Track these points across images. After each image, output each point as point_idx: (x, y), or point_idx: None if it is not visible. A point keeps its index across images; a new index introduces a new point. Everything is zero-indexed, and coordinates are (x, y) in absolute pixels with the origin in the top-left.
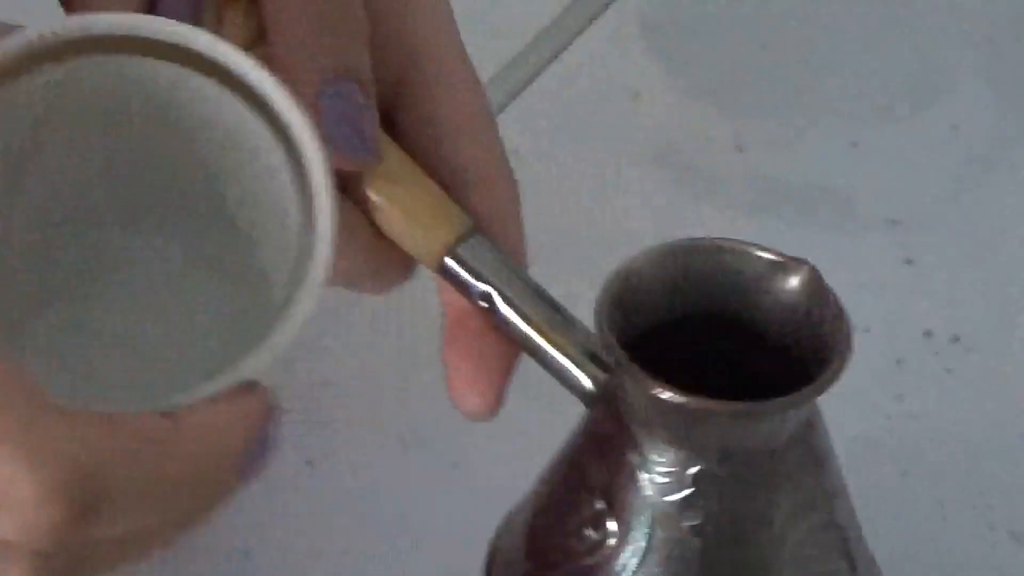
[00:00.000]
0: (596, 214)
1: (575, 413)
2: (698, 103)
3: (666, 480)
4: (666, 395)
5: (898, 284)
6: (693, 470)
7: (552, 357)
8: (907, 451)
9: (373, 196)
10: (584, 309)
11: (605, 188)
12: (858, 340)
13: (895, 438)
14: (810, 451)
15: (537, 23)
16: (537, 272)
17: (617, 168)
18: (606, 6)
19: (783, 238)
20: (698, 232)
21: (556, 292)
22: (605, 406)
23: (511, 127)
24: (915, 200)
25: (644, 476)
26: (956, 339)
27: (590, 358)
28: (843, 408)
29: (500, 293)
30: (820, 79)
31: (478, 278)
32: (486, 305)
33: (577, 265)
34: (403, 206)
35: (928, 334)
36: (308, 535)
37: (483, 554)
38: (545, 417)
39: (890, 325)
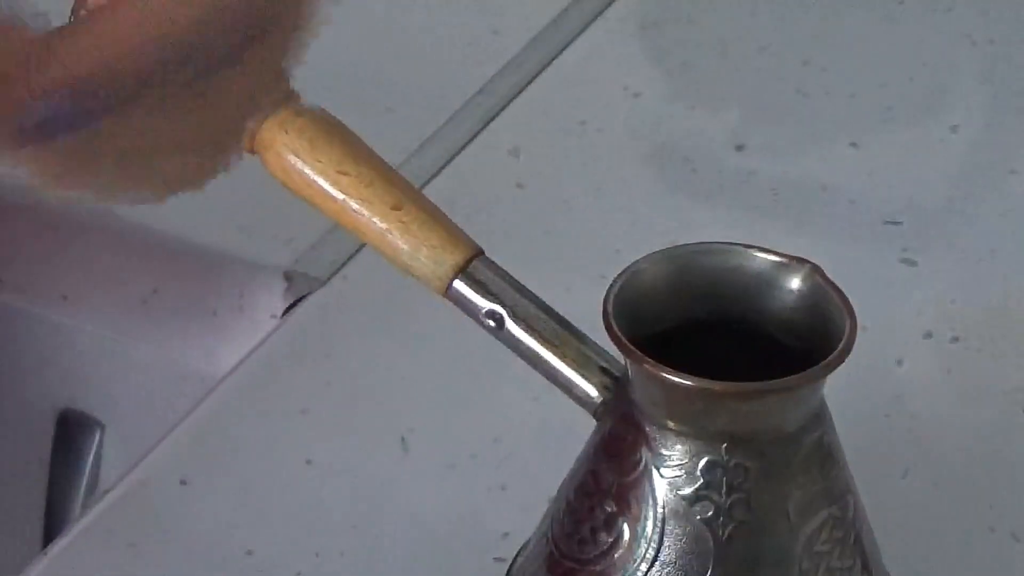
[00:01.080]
0: (596, 214)
1: (575, 415)
2: (698, 103)
3: (676, 474)
4: (675, 379)
5: (898, 284)
6: (703, 462)
7: (561, 372)
8: (907, 451)
9: (380, 224)
10: (583, 307)
11: (605, 188)
12: (858, 340)
13: (895, 438)
14: (821, 444)
15: (537, 23)
16: (537, 271)
17: (617, 168)
18: (606, 6)
19: (783, 238)
20: (698, 232)
21: (556, 290)
22: (613, 413)
23: (511, 127)
24: (915, 200)
25: (654, 472)
26: (956, 339)
27: (599, 371)
28: (843, 408)
29: (508, 312)
30: (820, 79)
31: (486, 298)
32: (494, 324)
33: (577, 264)
34: (409, 233)
35: (928, 334)
36: (308, 535)
37: (482, 553)
38: (545, 418)
39: (890, 325)
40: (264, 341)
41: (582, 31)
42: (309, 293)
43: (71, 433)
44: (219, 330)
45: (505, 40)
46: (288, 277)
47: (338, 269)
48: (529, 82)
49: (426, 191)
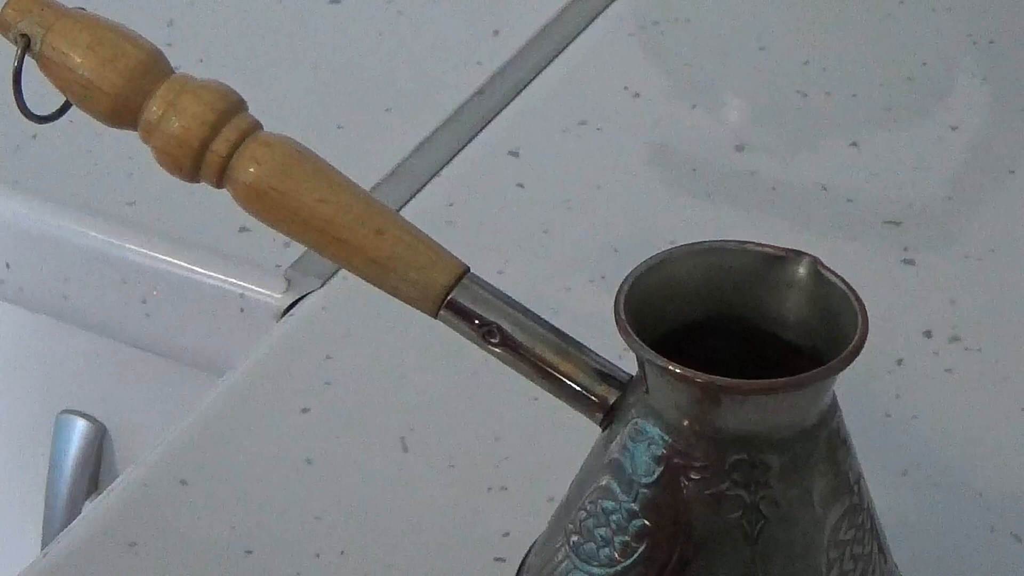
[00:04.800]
0: (596, 214)
1: (575, 414)
2: (698, 103)
3: (702, 476)
4: (703, 381)
5: (898, 284)
6: (728, 461)
7: (564, 383)
8: (907, 451)
9: (365, 250)
10: (584, 306)
11: (605, 188)
12: None
13: (895, 438)
14: (837, 433)
15: (537, 23)
16: (537, 271)
17: (617, 168)
18: (606, 6)
19: (783, 238)
20: (698, 232)
21: (556, 290)
22: (621, 420)
23: (511, 127)
24: (915, 200)
25: (679, 475)
26: (956, 339)
27: (601, 379)
28: (843, 408)
29: (504, 328)
30: (820, 79)
31: (480, 317)
32: (491, 342)
33: (577, 264)
34: (395, 257)
35: (928, 334)
36: (308, 535)
37: (482, 553)
38: (545, 418)
39: (890, 325)
40: (264, 341)
41: (582, 31)
42: (309, 293)
43: (71, 433)
44: (219, 330)
45: (505, 40)
46: (288, 277)
47: (338, 269)
48: (529, 82)
49: (426, 191)
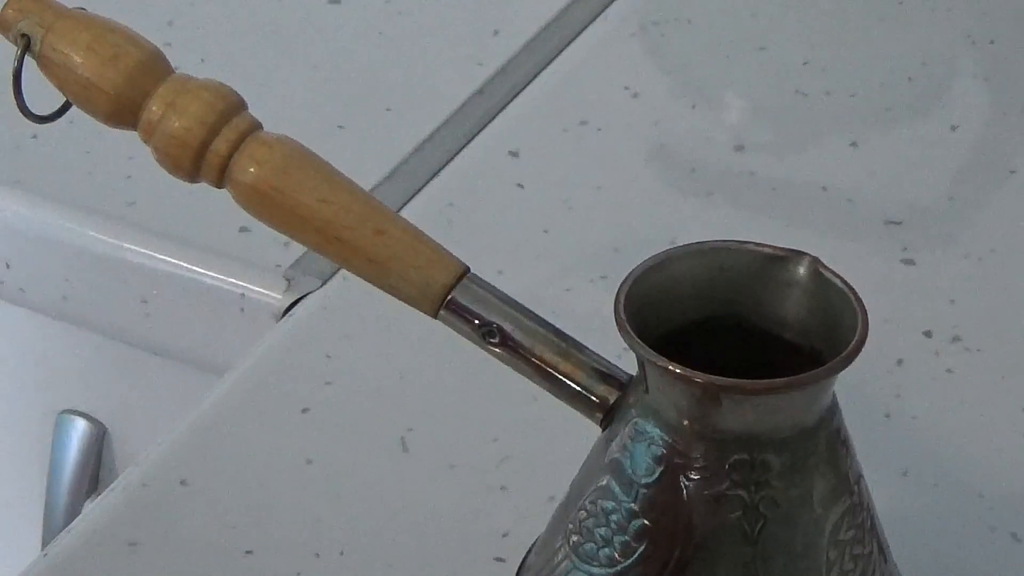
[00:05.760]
0: (596, 214)
1: (575, 414)
2: (698, 103)
3: (702, 476)
4: (703, 381)
5: (898, 284)
6: (728, 461)
7: (564, 383)
8: (907, 451)
9: (365, 250)
10: (584, 306)
11: (605, 188)
12: None
13: (895, 438)
14: (838, 433)
15: (537, 23)
16: (537, 271)
17: (617, 168)
18: (606, 6)
19: (783, 238)
20: (698, 232)
21: (556, 290)
22: (621, 420)
23: (511, 127)
24: (915, 200)
25: (679, 475)
26: (956, 339)
27: (601, 378)
28: (843, 408)
29: (504, 328)
30: (820, 79)
31: (479, 317)
32: (491, 341)
33: (577, 264)
34: (395, 257)
35: (928, 334)
36: (308, 535)
37: (482, 553)
38: (545, 418)
39: (890, 325)
40: (264, 341)
41: (582, 31)
42: (309, 293)
43: (71, 433)
44: (219, 330)
45: (505, 40)
46: (288, 277)
47: (338, 269)
48: (529, 82)
49: (426, 191)
